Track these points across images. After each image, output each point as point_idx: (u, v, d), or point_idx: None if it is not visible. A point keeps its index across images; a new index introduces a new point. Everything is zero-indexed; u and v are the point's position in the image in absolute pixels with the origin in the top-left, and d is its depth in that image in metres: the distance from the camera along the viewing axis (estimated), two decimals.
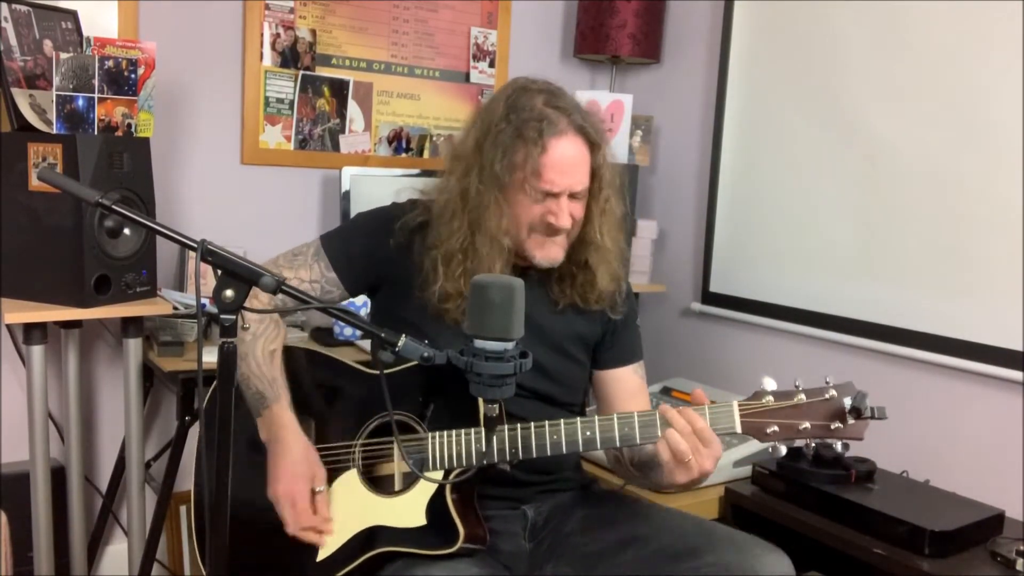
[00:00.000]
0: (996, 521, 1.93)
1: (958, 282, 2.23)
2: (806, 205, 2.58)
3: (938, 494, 2.05)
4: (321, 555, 1.48)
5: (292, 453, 1.45)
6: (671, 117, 3.06)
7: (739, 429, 1.34)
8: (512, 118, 1.54)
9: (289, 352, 1.59)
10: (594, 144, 1.57)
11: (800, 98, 2.59)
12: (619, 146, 2.87)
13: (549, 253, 1.56)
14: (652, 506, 1.66)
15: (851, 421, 1.29)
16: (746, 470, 2.18)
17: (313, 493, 1.45)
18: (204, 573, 1.52)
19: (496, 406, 1.20)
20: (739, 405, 1.35)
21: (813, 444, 1.31)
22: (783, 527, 2.03)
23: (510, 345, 1.15)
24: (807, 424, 1.30)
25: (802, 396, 1.31)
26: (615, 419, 1.41)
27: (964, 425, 2.24)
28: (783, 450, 1.32)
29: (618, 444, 1.41)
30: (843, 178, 2.47)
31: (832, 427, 1.29)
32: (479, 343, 1.14)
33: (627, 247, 1.69)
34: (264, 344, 1.54)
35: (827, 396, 1.30)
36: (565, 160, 1.52)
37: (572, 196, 1.54)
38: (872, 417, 1.28)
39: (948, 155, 2.23)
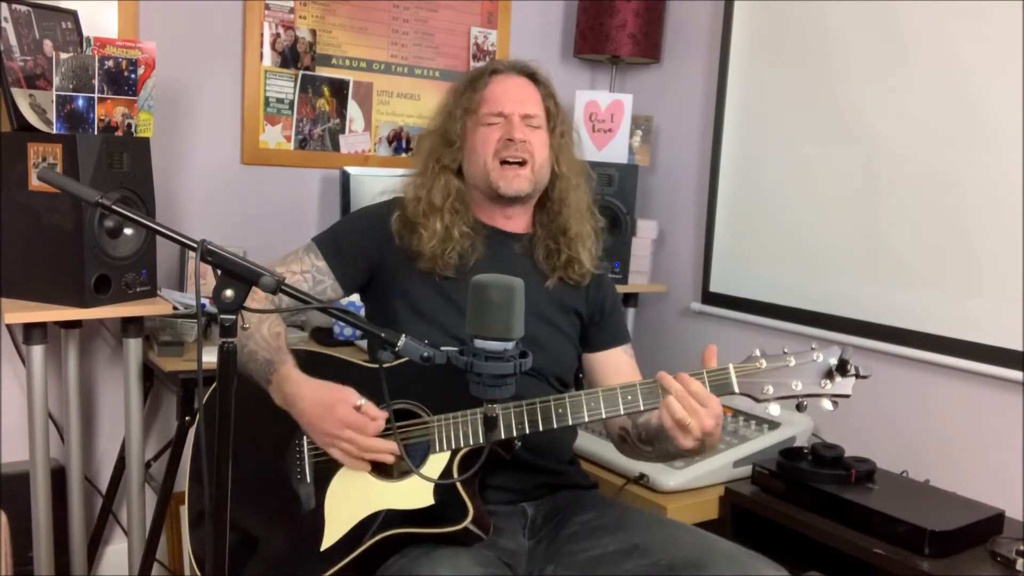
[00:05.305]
0: (996, 521, 1.93)
1: (958, 282, 2.23)
2: (806, 205, 2.58)
3: (938, 494, 2.05)
4: (325, 543, 1.47)
5: (310, 395, 1.46)
6: (671, 117, 3.06)
7: (736, 389, 1.41)
8: (466, 79, 1.73)
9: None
10: (541, 83, 1.71)
11: (800, 98, 2.59)
12: (619, 146, 2.87)
13: (513, 183, 1.64)
14: (654, 516, 1.66)
15: (839, 379, 1.39)
16: (746, 470, 2.18)
17: (358, 410, 1.43)
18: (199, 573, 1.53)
19: (496, 406, 1.20)
20: (735, 367, 1.43)
21: (806, 403, 1.41)
22: (783, 527, 2.03)
23: (510, 345, 1.15)
24: (799, 383, 1.40)
25: (792, 359, 1.42)
26: (618, 389, 1.45)
27: (964, 425, 2.23)
28: (777, 410, 1.40)
29: (622, 412, 1.44)
30: (843, 178, 2.47)
31: (823, 385, 1.40)
32: (479, 343, 1.14)
33: (599, 226, 1.79)
34: (270, 326, 1.57)
35: (815, 358, 1.41)
36: (509, 87, 1.68)
37: (529, 125, 1.66)
38: (857, 375, 1.39)
39: (948, 155, 2.23)
